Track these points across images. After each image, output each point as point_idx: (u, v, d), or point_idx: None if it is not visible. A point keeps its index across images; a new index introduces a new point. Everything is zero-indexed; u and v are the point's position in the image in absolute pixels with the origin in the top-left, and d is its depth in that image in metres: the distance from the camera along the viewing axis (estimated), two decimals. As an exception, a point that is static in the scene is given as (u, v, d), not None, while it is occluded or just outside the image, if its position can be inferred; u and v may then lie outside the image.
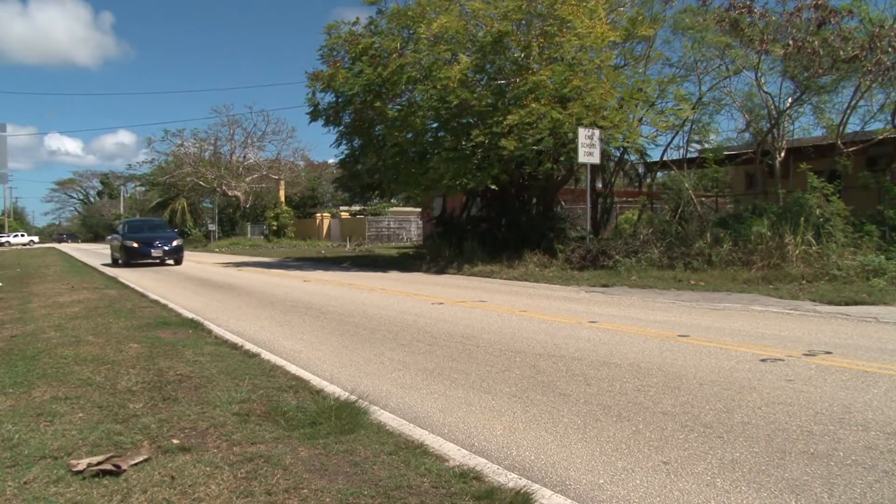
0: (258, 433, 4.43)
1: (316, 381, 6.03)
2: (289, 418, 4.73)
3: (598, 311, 10.92)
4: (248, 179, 67.28)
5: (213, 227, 63.14)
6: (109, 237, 34.24)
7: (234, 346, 7.70)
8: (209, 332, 8.90)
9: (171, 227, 33.02)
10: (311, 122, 26.21)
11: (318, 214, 67.92)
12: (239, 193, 66.55)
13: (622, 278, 15.62)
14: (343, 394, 5.34)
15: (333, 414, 4.72)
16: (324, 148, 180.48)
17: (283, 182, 68.90)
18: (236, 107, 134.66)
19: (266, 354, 7.23)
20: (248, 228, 68.47)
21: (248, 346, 7.74)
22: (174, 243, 27.86)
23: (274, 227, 61.36)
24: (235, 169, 67.10)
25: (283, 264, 27.76)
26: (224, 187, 65.61)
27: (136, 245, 27.05)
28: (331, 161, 66.80)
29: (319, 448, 4.17)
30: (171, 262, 27.75)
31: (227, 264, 28.31)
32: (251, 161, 68.29)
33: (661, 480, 3.85)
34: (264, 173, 67.59)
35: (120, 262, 28.07)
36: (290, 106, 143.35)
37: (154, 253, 27.09)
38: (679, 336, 8.35)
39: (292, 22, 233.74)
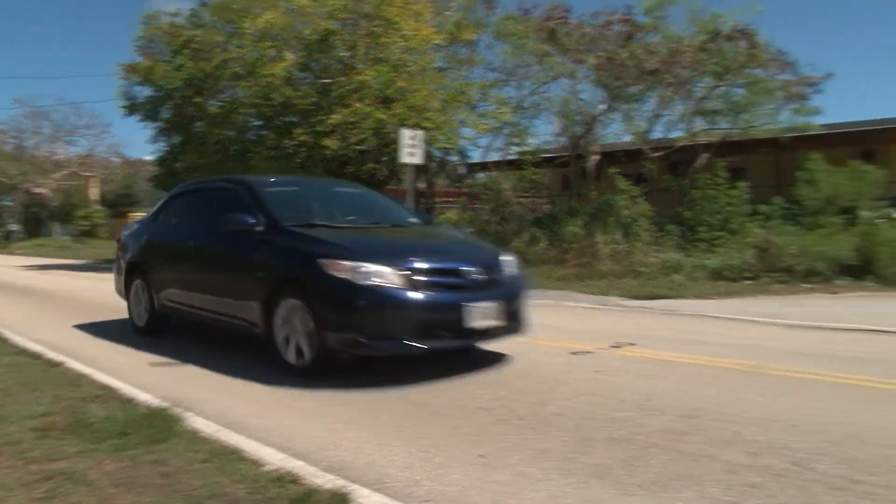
0: (59, 448, 4.14)
1: (127, 388, 5.70)
2: (95, 430, 4.45)
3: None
4: (56, 176, 63.03)
5: (14, 226, 58.58)
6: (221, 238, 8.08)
7: (35, 356, 7.13)
8: (5, 340, 8.19)
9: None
10: (126, 115, 24.72)
11: (135, 214, 64.65)
12: (46, 191, 62.22)
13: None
14: (155, 401, 5.11)
15: (144, 423, 4.51)
16: (141, 144, 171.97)
17: (95, 179, 65.11)
18: (44, 98, 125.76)
19: (71, 363, 6.74)
20: (57, 229, 64.15)
21: (51, 354, 7.17)
22: (507, 272, 6.93)
23: (85, 228, 57.74)
24: (42, 164, 62.69)
25: (93, 267, 26.17)
26: (29, 184, 61.15)
27: (416, 293, 6.03)
28: (148, 158, 63.88)
29: (127, 460, 3.96)
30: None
31: (31, 267, 26.23)
32: (60, 156, 64.01)
33: (477, 473, 3.95)
34: (75, 170, 63.56)
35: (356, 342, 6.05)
36: (107, 99, 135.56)
37: (477, 319, 6.18)
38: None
39: (108, 9, 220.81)
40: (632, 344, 7.68)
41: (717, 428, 4.66)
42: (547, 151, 25.06)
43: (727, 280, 13.81)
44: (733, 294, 12.48)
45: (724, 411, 5.03)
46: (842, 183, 16.74)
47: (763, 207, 17.37)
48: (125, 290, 9.37)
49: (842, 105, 67.09)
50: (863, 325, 8.78)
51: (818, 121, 20.80)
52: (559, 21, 20.61)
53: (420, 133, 18.65)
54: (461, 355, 6.94)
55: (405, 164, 18.84)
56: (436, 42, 20.00)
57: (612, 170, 18.76)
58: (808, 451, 4.17)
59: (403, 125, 18.35)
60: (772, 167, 22.14)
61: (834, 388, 5.78)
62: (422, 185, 26.19)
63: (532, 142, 23.90)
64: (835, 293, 12.58)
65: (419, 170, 22.24)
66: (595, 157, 22.37)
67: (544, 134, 24.42)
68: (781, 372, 6.35)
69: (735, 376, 6.21)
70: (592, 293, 12.83)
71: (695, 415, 4.95)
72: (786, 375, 6.23)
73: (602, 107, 22.12)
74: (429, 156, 22.05)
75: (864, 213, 15.94)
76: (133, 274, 9.15)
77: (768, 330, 8.89)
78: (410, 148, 18.40)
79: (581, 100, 22.29)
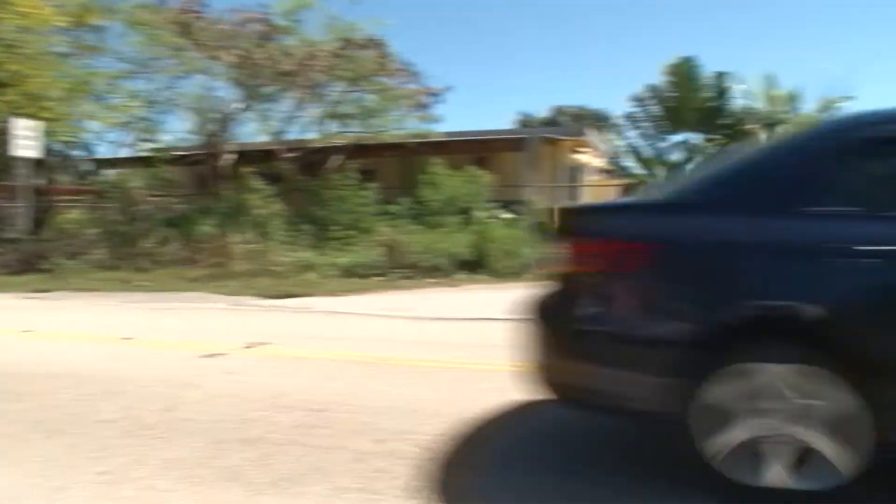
0: None
1: None
2: None
3: (36, 319, 10.08)
4: None
5: None
6: None
7: None
8: None
9: None
10: None
11: None
12: None
13: (64, 282, 14.60)
14: None
15: None
16: None
17: None
18: None
19: None
20: None
21: None
22: None
23: None
24: None
25: None
26: None
27: None
28: None
29: None
30: None
31: None
32: None
33: (99, 492, 3.75)
34: None
35: None
36: None
37: None
38: (123, 339, 8.17)
39: None
40: (264, 343, 7.74)
41: (346, 419, 4.91)
42: (181, 149, 24.24)
43: (359, 277, 14.49)
44: (364, 290, 13.08)
45: (352, 402, 5.32)
46: (459, 186, 18.56)
47: (392, 207, 18.48)
48: (681, 397, 3.35)
49: (465, 114, 73.22)
50: (475, 314, 9.66)
51: (440, 128, 23.03)
52: (194, 15, 20.08)
53: (38, 124, 17.16)
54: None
55: (20, 159, 17.28)
56: (57, 24, 18.31)
57: (244, 169, 18.77)
58: (429, 433, 4.56)
59: (17, 114, 16.73)
60: (399, 170, 23.53)
61: (449, 373, 6.38)
62: (41, 182, 23.97)
63: (165, 138, 23.03)
64: (456, 286, 13.79)
65: (38, 164, 20.38)
66: (231, 156, 22.10)
67: (178, 130, 23.56)
68: (406, 362, 6.85)
69: (363, 369, 6.56)
70: (227, 293, 12.63)
71: (325, 408, 5.15)
72: (409, 365, 6.75)
73: (237, 105, 21.96)
74: (49, 150, 20.30)
75: (478, 214, 17.71)
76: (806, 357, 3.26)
77: (394, 323, 9.49)
78: (26, 140, 16.91)
79: (216, 97, 21.95)
